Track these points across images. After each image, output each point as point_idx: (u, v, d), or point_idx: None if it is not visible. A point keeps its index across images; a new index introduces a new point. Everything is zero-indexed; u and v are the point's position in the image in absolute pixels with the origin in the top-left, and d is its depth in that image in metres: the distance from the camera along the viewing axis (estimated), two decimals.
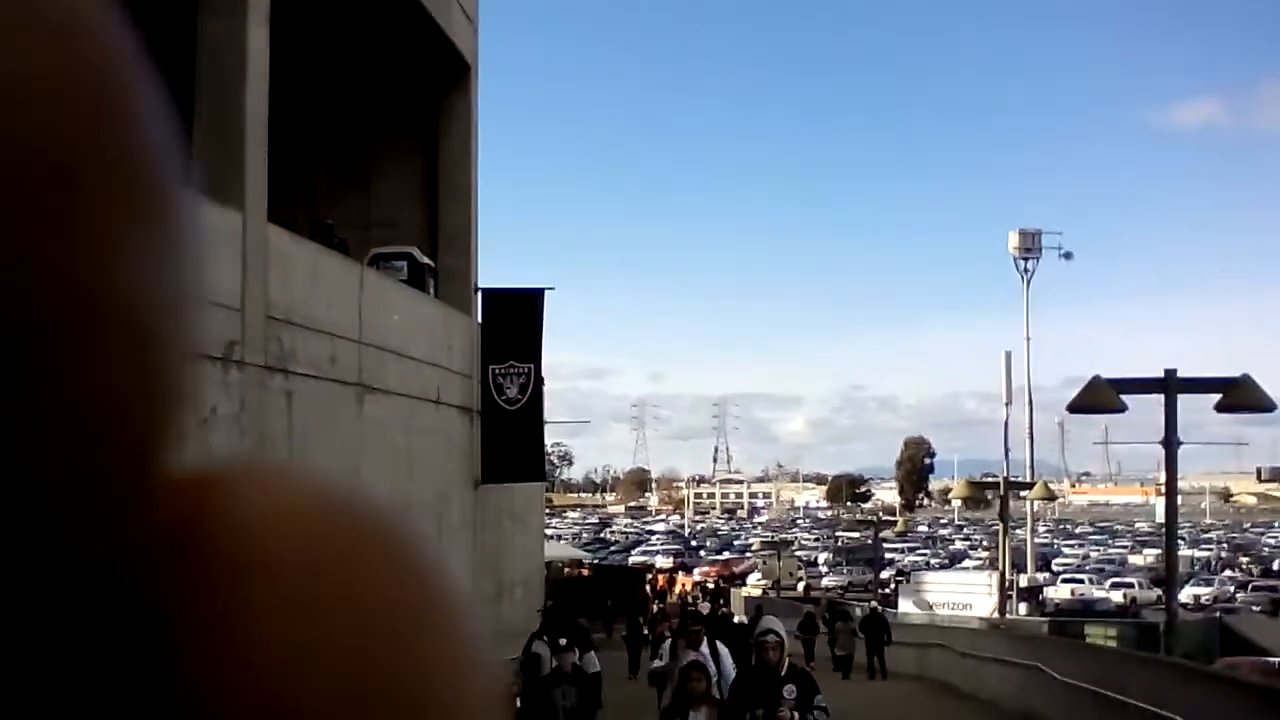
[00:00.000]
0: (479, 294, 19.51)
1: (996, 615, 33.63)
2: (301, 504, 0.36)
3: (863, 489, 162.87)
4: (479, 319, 19.32)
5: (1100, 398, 12.11)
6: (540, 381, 19.47)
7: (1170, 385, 12.00)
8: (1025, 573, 48.60)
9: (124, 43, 0.29)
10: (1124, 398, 12.87)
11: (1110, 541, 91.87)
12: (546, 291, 19.42)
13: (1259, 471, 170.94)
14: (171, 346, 0.30)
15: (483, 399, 19.04)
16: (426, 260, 18.76)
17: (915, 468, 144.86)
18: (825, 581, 58.76)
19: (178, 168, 0.30)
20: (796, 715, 6.50)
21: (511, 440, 19.06)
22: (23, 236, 0.25)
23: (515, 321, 19.17)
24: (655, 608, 31.26)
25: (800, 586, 54.44)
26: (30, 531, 0.27)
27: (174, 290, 0.29)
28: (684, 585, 49.15)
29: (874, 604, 30.00)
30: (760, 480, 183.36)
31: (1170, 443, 12.15)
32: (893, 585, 48.66)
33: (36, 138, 0.26)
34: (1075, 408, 12.67)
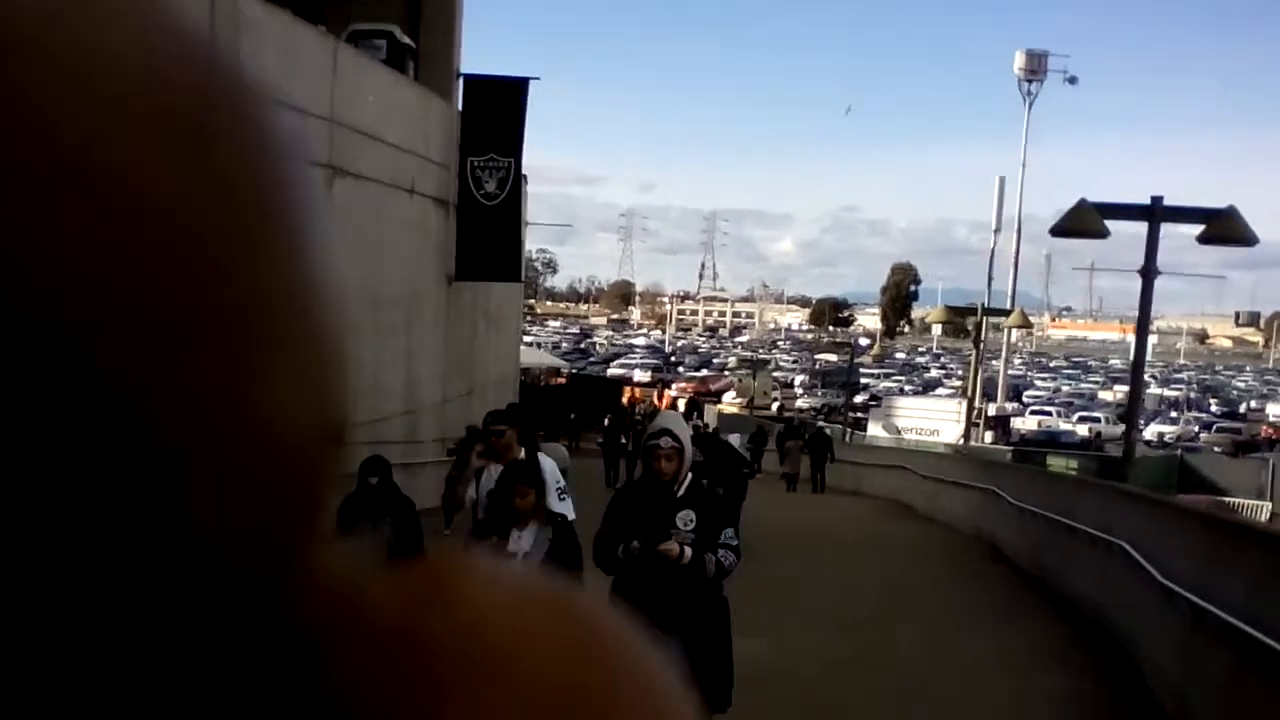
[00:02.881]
0: (460, 80, 18.65)
1: (961, 441, 34.19)
2: (523, 597, 0.34)
3: (846, 314, 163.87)
4: (459, 107, 18.53)
5: (1085, 222, 11.77)
6: (520, 177, 18.86)
7: (1155, 213, 11.65)
8: (995, 402, 49.35)
9: (283, 170, 0.29)
10: (1112, 230, 12.55)
11: (1083, 376, 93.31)
12: (531, 81, 18.55)
13: (1237, 315, 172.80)
14: (318, 472, 0.30)
15: (460, 192, 18.46)
16: (407, 40, 17.84)
17: (900, 294, 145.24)
18: (800, 403, 59.65)
19: (328, 296, 0.30)
20: (689, 551, 4.77)
21: (488, 237, 18.59)
22: (168, 369, 0.25)
23: (497, 112, 18.38)
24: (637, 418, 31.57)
25: (774, 406, 55.19)
26: (205, 646, 0.27)
27: (322, 418, 0.30)
28: (664, 399, 49.55)
29: (820, 424, 31.87)
30: (745, 300, 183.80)
31: (1149, 271, 11.89)
32: (865, 409, 49.41)
33: (183, 270, 0.26)
34: (1059, 231, 12.35)
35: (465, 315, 20.05)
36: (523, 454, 6.43)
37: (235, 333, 0.27)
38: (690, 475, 4.95)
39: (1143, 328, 12.44)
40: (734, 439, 17.07)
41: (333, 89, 14.32)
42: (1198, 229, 12.13)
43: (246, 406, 0.27)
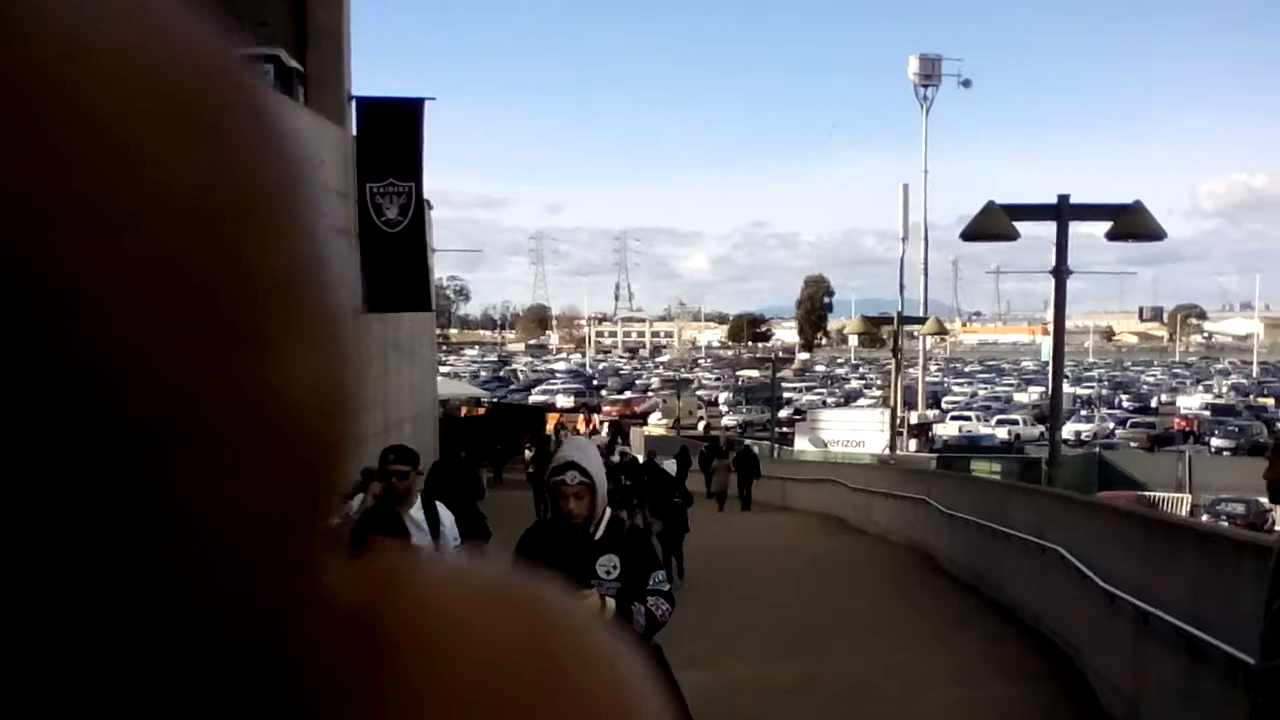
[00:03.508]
0: (353, 103, 18.00)
1: (887, 451, 34.23)
2: (484, 595, 0.35)
3: (764, 328, 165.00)
4: (353, 131, 17.87)
5: (994, 224, 11.64)
6: (423, 202, 18.26)
7: (1063, 211, 11.54)
8: (916, 410, 49.80)
9: (286, 156, 0.30)
10: (1023, 233, 12.45)
11: (998, 380, 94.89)
12: (427, 102, 17.99)
13: (1141, 311, 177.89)
14: (328, 452, 0.30)
15: (360, 220, 17.78)
16: (295, 65, 17.16)
17: (815, 307, 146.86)
18: (725, 420, 59.52)
19: (335, 276, 0.31)
20: (611, 605, 4.01)
21: (393, 266, 17.92)
22: (180, 350, 0.26)
23: (394, 135, 17.76)
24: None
25: (701, 425, 54.95)
26: (197, 630, 0.27)
27: (331, 398, 0.30)
28: (590, 424, 48.95)
29: (746, 443, 31.80)
30: (663, 319, 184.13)
31: (1060, 271, 11.78)
32: (790, 424, 49.44)
33: (194, 256, 0.26)
34: (969, 235, 12.21)
35: (375, 349, 19.32)
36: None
37: (247, 311, 0.27)
38: (608, 512, 4.25)
39: (1059, 327, 12.33)
40: (669, 465, 15.71)
41: None
42: (1104, 226, 12.06)
43: (259, 385, 0.28)
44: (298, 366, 0.29)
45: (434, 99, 18.29)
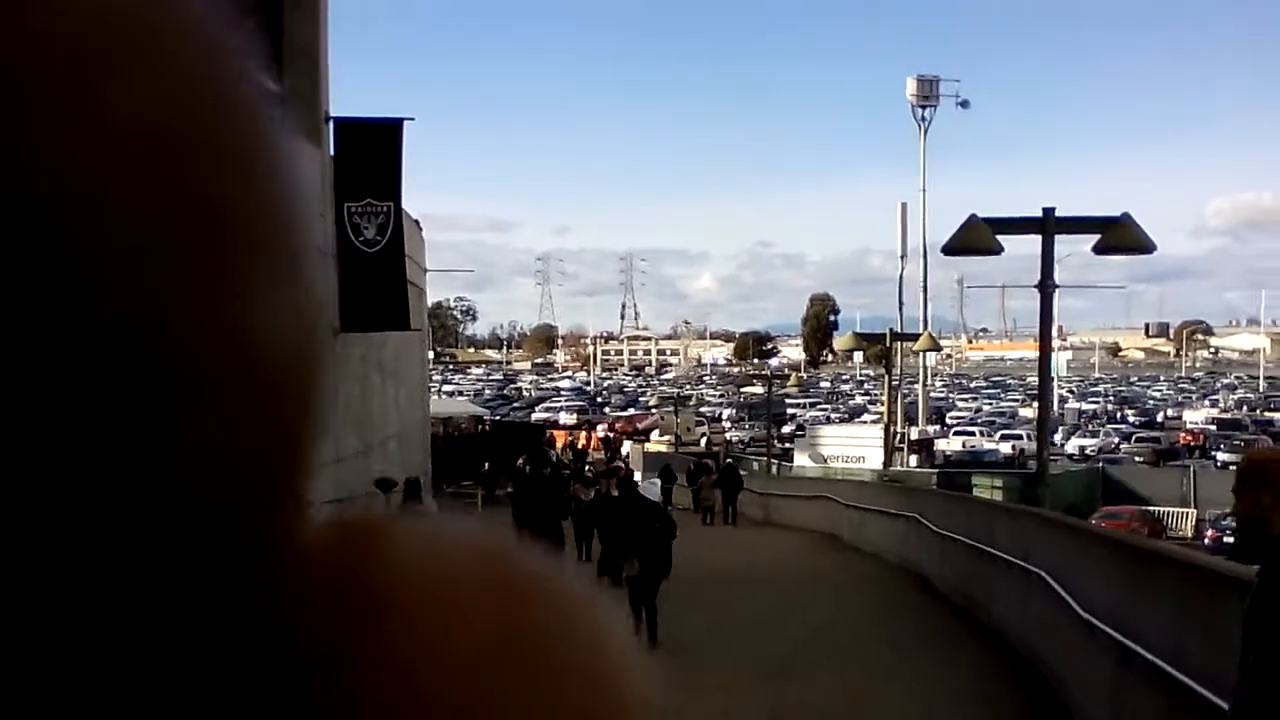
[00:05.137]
0: (330, 123, 17.69)
1: (883, 467, 33.75)
2: (466, 554, 0.35)
3: (769, 346, 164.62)
4: (330, 152, 17.56)
5: (977, 238, 11.23)
6: (401, 222, 17.93)
7: (1048, 225, 11.14)
8: (917, 425, 49.28)
9: (248, 85, 0.29)
10: (1011, 247, 12.06)
11: (1003, 395, 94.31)
12: (406, 123, 17.72)
13: (1147, 327, 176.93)
14: (302, 395, 0.30)
15: (338, 240, 17.45)
16: (271, 85, 16.85)
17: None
18: (728, 436, 59.07)
19: (307, 219, 0.31)
20: None
21: (372, 285, 17.58)
22: (166, 287, 0.26)
23: (372, 155, 17.46)
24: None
25: (702, 441, 54.52)
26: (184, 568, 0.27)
27: (304, 339, 0.30)
28: (589, 441, 48.51)
29: (729, 459, 32.22)
30: (668, 338, 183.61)
31: (1045, 286, 11.36)
32: (792, 440, 48.95)
33: (155, 182, 0.26)
34: (951, 249, 11.81)
35: (355, 369, 18.95)
36: None
37: (210, 242, 0.27)
38: None
39: (1045, 342, 11.88)
40: (651, 488, 14.10)
41: None
42: (1096, 240, 11.66)
43: (230, 318, 0.27)
44: (268, 302, 0.28)
45: (413, 119, 18.02)
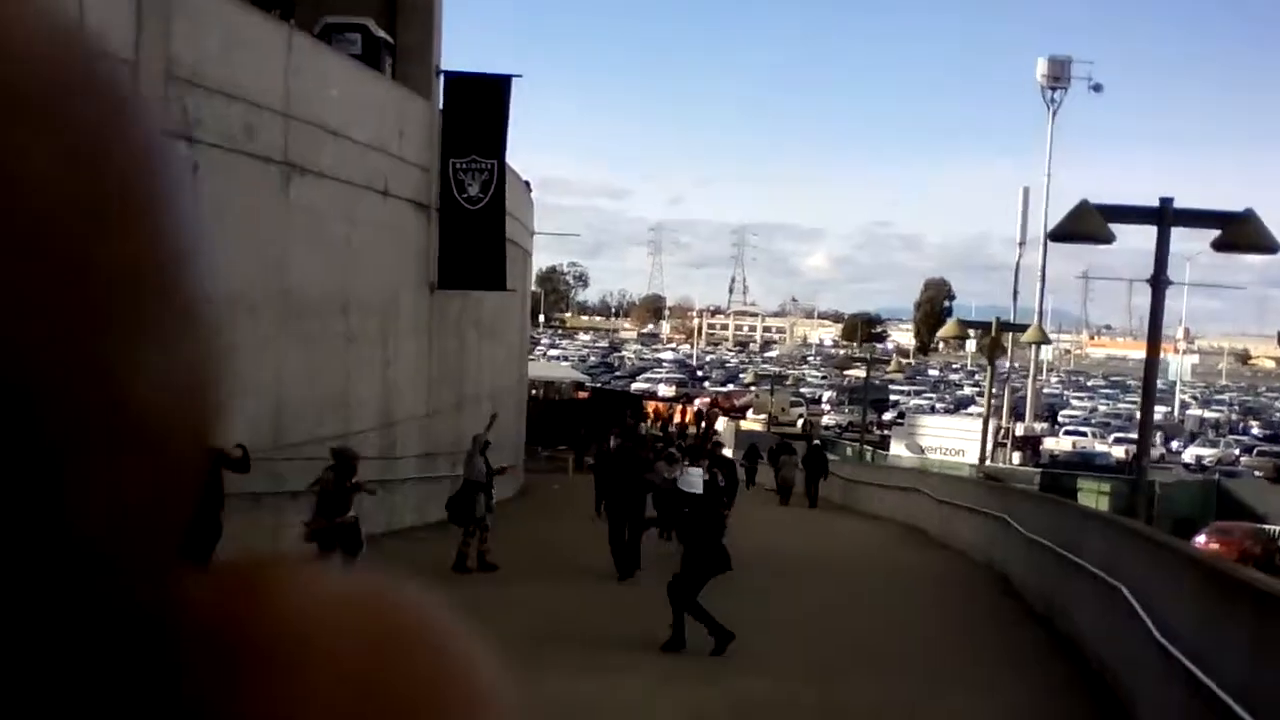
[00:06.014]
0: (440, 77, 17.73)
1: (989, 462, 32.78)
2: (340, 595, 0.35)
3: (879, 329, 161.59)
4: (440, 106, 17.61)
5: (1086, 225, 10.57)
6: (504, 181, 17.92)
7: (1164, 216, 10.43)
8: (1024, 421, 47.77)
9: (145, 146, 0.29)
10: (1125, 237, 11.38)
11: (1122, 396, 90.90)
12: (514, 79, 17.65)
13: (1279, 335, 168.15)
14: (189, 447, 0.30)
15: (441, 195, 17.54)
16: (383, 35, 16.98)
17: (933, 310, 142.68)
18: (826, 420, 58.24)
19: (200, 276, 0.30)
20: None
21: (471, 243, 17.65)
22: (25, 344, 0.25)
23: (479, 111, 17.47)
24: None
25: (799, 423, 53.85)
26: (70, 626, 0.27)
27: (193, 392, 0.30)
28: (685, 414, 48.31)
29: (815, 441, 31.82)
30: (776, 315, 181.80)
31: (1158, 281, 10.66)
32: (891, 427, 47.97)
33: (41, 247, 0.26)
34: (1059, 235, 11.17)
35: (451, 325, 19.09)
36: None
37: (95, 304, 0.27)
38: None
39: (1154, 340, 11.20)
40: (693, 477, 11.28)
41: (287, 80, 13.42)
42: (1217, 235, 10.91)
43: (111, 383, 0.27)
44: (153, 361, 0.28)
45: (520, 76, 17.97)
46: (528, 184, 26.72)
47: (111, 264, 0.27)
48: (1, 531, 0.25)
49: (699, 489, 9.70)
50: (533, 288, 52.72)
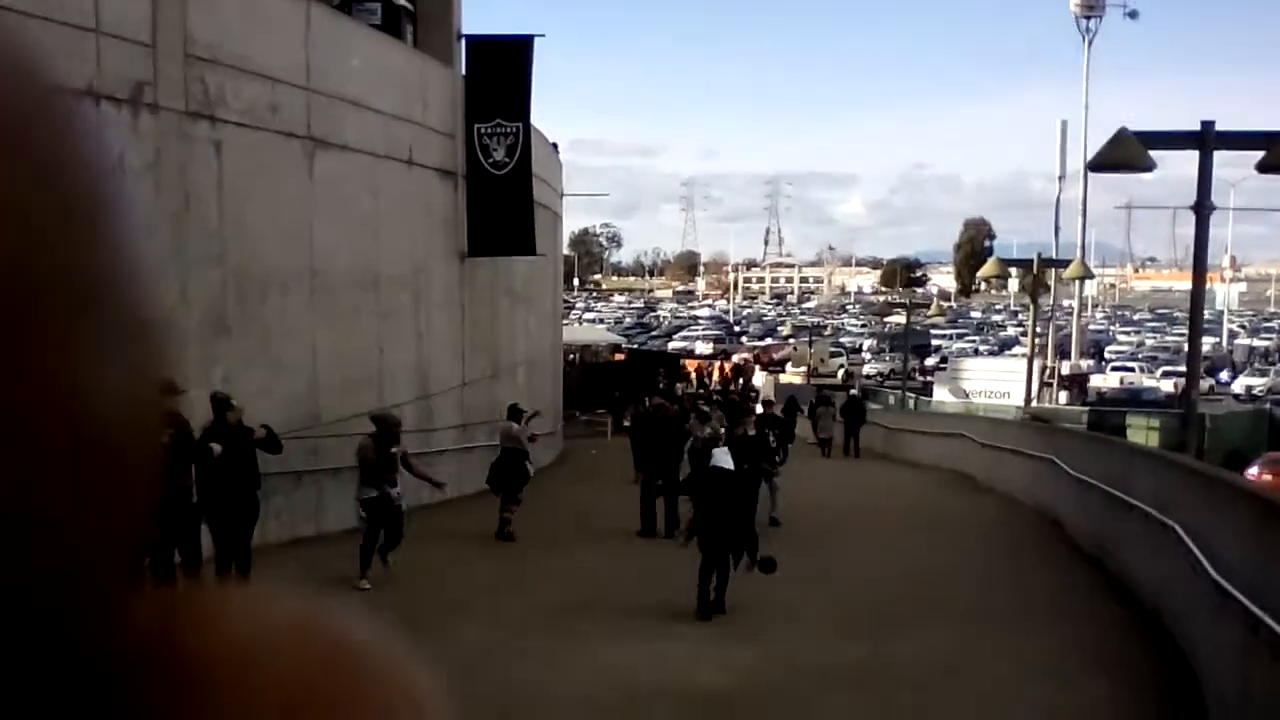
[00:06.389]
0: (462, 42, 17.53)
1: (1023, 404, 32.33)
2: (277, 618, 0.36)
3: (919, 273, 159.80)
4: (462, 71, 17.42)
5: (1126, 153, 10.23)
6: (529, 144, 17.73)
7: (1206, 139, 10.06)
8: (1070, 360, 47.13)
9: (84, 154, 0.30)
10: (1167, 163, 10.99)
11: (1169, 329, 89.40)
12: (536, 39, 17.41)
13: None
14: (137, 459, 0.31)
15: (468, 161, 17.39)
16: (403, 2, 16.79)
17: (974, 251, 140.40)
18: (867, 369, 57.79)
19: (145, 287, 0.31)
20: None
21: (499, 209, 17.49)
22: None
23: (501, 74, 17.25)
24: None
25: (839, 373, 53.48)
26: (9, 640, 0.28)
27: (140, 404, 0.30)
28: (723, 371, 48.13)
29: (853, 391, 31.99)
30: (812, 265, 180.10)
31: (1202, 207, 10.32)
32: (934, 373, 47.52)
33: (7, 261, 0.27)
34: (1098, 165, 10.83)
35: (483, 293, 19.00)
36: None
37: (44, 318, 0.27)
38: None
39: (1200, 269, 10.91)
40: (724, 455, 9.87)
41: (307, 53, 13.32)
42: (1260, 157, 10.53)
43: (62, 391, 0.28)
44: (98, 374, 0.28)
45: (543, 35, 17.71)
46: (555, 146, 26.46)
47: (53, 279, 0.27)
48: None
49: (728, 465, 9.18)
50: (565, 251, 52.55)
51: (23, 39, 0.30)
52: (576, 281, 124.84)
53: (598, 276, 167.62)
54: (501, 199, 17.46)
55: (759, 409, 18.11)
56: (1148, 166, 10.48)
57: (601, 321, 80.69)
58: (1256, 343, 72.19)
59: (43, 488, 0.27)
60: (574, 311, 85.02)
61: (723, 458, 9.34)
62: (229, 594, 0.36)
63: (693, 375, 43.68)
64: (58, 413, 0.27)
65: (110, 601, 0.31)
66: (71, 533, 0.28)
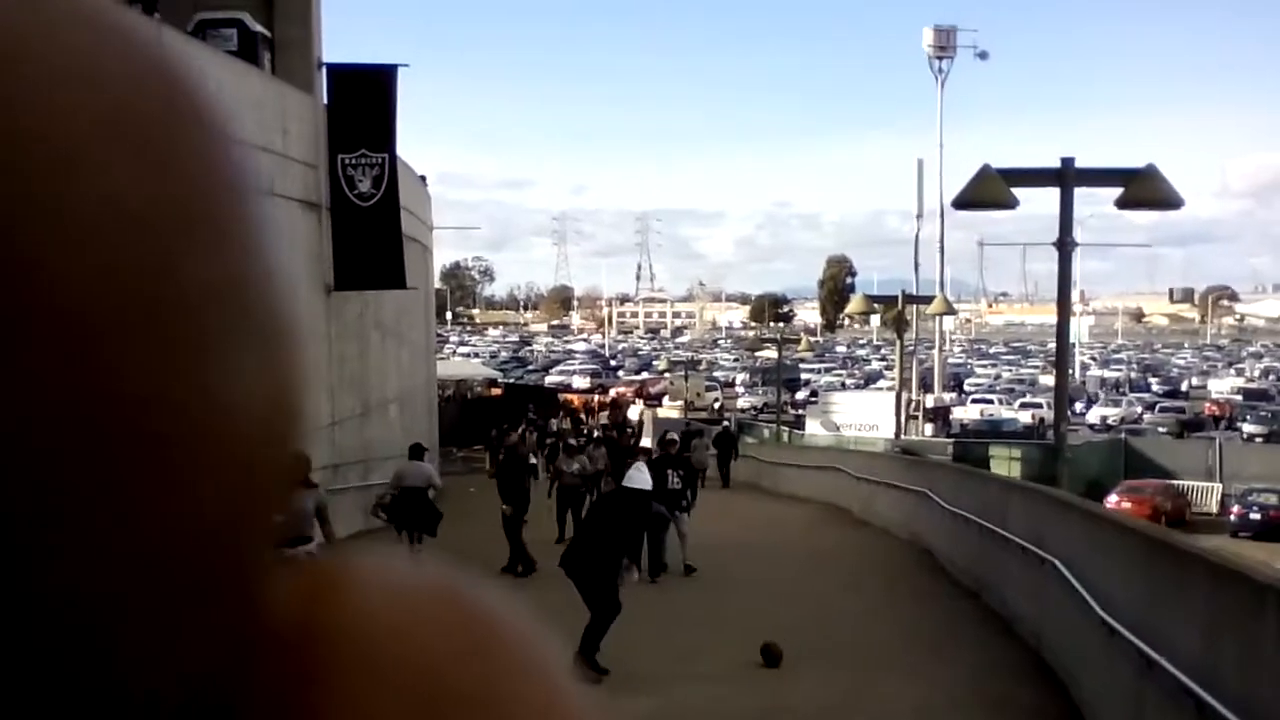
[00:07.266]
0: (323, 70, 16.95)
1: (893, 437, 32.98)
2: (425, 603, 0.36)
3: (786, 309, 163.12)
4: (324, 101, 16.82)
5: (989, 191, 10.40)
6: (396, 175, 17.21)
7: (1066, 176, 10.30)
8: (933, 393, 48.41)
9: (230, 165, 0.31)
10: (1028, 202, 11.20)
11: (1023, 361, 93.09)
12: (401, 69, 16.95)
13: (1171, 292, 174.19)
14: (272, 462, 0.31)
15: (332, 193, 16.77)
16: (260, 29, 16.13)
17: (837, 287, 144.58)
18: (740, 403, 58.33)
19: (278, 288, 0.32)
20: None
21: (367, 241, 16.90)
22: (121, 360, 0.26)
23: (365, 104, 16.72)
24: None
25: (715, 406, 53.82)
26: (139, 647, 0.28)
27: (276, 408, 0.31)
28: (597, 404, 47.94)
29: (725, 424, 33.06)
30: (684, 300, 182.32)
31: (1064, 243, 10.54)
32: (805, 406, 48.20)
33: (135, 266, 0.27)
34: (962, 203, 10.99)
35: (351, 328, 18.31)
36: None
37: (186, 320, 0.28)
38: None
39: (1064, 304, 11.10)
40: (640, 475, 9.90)
41: None
42: (1118, 195, 10.81)
43: (209, 396, 0.28)
44: (239, 376, 0.29)
45: (407, 65, 17.26)
46: (423, 178, 25.93)
47: (195, 280, 0.28)
48: (102, 534, 0.26)
49: (646, 485, 8.78)
50: (437, 284, 51.65)
51: (179, 55, 0.30)
52: (450, 315, 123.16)
53: (472, 310, 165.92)
54: (368, 231, 16.89)
55: (654, 449, 17.33)
56: (1010, 204, 10.65)
57: (476, 355, 79.59)
58: (1107, 374, 75.64)
59: (196, 488, 0.28)
60: (448, 345, 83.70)
61: (638, 477, 8.90)
62: (368, 566, 0.36)
63: (580, 410, 43.33)
64: (211, 413, 0.28)
65: (249, 589, 0.31)
66: (220, 531, 0.29)
